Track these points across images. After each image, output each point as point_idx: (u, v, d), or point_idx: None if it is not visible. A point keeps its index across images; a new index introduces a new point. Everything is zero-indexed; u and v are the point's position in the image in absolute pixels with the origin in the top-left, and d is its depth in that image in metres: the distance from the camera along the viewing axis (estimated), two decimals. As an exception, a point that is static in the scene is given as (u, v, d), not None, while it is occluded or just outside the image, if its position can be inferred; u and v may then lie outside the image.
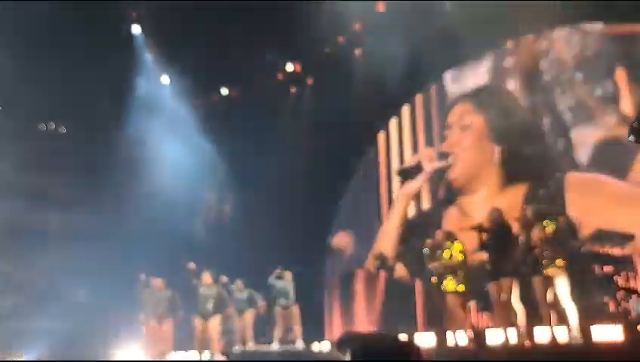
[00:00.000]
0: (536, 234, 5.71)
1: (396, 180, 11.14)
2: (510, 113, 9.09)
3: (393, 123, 11.61)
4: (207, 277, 7.85)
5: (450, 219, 9.52)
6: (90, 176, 10.34)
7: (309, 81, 12.34)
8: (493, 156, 9.21)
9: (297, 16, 9.43)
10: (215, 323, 7.79)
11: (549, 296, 5.61)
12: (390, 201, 11.44)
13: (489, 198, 8.86)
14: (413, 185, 10.19)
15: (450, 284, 6.44)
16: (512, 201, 8.40)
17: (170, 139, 11.59)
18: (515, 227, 6.13)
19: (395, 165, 11.36)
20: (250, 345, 8.97)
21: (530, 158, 8.63)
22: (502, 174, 9.04)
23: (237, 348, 8.74)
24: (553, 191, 8.10)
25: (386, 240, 10.52)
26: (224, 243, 11.18)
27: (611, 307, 6.35)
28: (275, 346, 8.46)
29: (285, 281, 8.77)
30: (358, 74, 10.52)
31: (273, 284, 8.73)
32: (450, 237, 6.82)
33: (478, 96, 9.76)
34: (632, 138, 5.53)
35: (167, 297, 8.35)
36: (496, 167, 9.14)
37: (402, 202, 10.46)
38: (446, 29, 8.38)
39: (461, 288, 6.43)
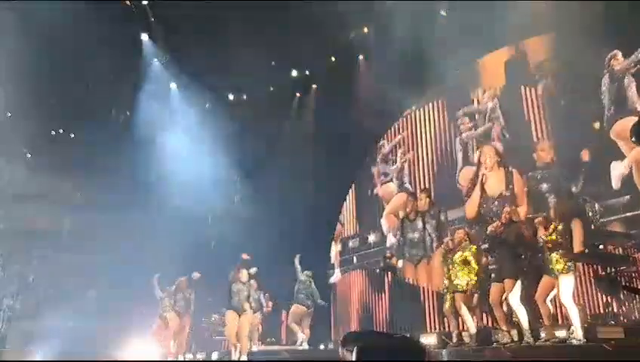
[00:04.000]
0: (543, 235, 5.75)
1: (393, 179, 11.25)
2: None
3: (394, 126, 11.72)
4: (244, 274, 8.03)
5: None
6: (102, 178, 10.51)
7: (314, 87, 12.48)
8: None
9: (303, 23, 9.54)
10: (246, 319, 7.94)
11: (552, 296, 5.67)
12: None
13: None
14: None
15: (461, 282, 6.52)
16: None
17: (180, 141, 11.77)
18: (523, 229, 6.18)
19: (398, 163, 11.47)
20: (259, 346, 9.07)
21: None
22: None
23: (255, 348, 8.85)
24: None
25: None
26: (231, 247, 11.33)
27: (615, 307, 6.37)
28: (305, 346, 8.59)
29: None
30: (362, 79, 10.64)
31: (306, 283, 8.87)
32: (469, 237, 6.91)
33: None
34: (634, 139, 5.58)
35: (188, 296, 8.58)
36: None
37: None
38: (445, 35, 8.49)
39: (471, 286, 6.52)
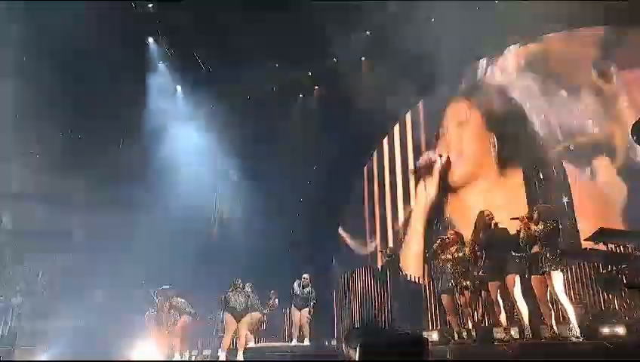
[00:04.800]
0: (538, 231, 5.73)
1: (399, 182, 11.34)
2: (501, 102, 9.38)
3: (396, 128, 11.78)
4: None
5: (453, 210, 9.84)
6: (109, 179, 10.60)
7: (316, 87, 12.52)
8: (489, 143, 9.52)
9: (306, 24, 9.59)
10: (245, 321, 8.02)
11: (551, 294, 5.67)
12: (393, 202, 11.60)
13: (488, 190, 9.23)
14: (428, 197, 10.41)
15: (459, 281, 6.56)
16: (511, 190, 8.75)
17: (185, 142, 11.84)
18: (517, 225, 6.16)
19: (399, 165, 11.53)
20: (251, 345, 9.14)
21: (523, 141, 8.94)
22: (498, 161, 9.35)
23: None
24: (554, 178, 8.35)
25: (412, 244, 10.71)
26: (234, 246, 11.41)
27: (616, 304, 6.40)
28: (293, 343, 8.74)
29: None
30: (364, 80, 10.68)
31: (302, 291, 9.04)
32: (461, 237, 6.93)
33: (471, 93, 10.05)
34: (635, 138, 5.57)
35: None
36: (492, 155, 9.45)
37: (422, 217, 10.58)
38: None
39: (468, 285, 6.55)
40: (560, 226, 5.72)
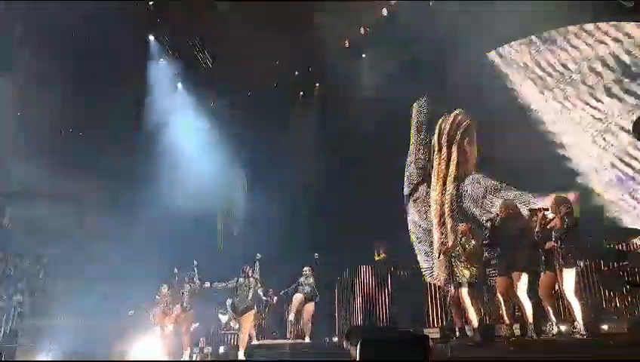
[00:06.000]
0: (548, 228, 5.61)
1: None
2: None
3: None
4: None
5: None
6: (111, 179, 10.61)
7: (317, 85, 12.50)
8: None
9: (307, 21, 9.57)
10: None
11: (557, 291, 5.63)
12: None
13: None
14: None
15: (465, 275, 6.53)
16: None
17: (186, 140, 11.85)
18: (526, 221, 6.04)
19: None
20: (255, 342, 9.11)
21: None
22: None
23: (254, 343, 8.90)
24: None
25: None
26: (234, 245, 11.42)
27: (618, 302, 6.38)
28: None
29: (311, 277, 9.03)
30: (365, 77, 10.64)
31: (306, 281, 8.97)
32: (471, 231, 6.89)
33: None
34: (636, 135, 5.57)
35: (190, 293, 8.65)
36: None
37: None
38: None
39: (473, 278, 6.52)
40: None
